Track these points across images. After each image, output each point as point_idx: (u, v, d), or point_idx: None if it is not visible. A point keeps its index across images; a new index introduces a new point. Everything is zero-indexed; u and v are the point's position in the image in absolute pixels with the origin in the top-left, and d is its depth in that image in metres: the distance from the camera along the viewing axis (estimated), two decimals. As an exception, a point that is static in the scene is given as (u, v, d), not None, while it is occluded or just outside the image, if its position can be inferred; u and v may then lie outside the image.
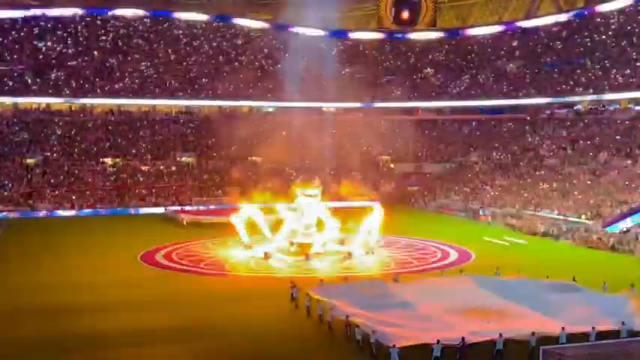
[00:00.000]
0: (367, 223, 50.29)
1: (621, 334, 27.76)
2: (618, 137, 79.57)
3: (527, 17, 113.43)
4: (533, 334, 26.79)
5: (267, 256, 48.16)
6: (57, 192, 79.73)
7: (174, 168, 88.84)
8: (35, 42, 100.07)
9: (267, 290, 38.59)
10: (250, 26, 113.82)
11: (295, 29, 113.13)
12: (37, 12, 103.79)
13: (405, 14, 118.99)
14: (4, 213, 72.82)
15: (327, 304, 31.51)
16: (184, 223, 66.89)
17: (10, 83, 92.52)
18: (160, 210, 77.29)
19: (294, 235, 51.43)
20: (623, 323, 28.05)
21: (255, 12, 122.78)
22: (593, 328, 27.52)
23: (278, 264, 47.05)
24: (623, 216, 59.04)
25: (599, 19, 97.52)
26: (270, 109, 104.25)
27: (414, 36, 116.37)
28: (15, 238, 59.17)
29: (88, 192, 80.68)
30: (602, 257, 50.74)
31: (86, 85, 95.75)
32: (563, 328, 27.44)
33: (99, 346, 28.24)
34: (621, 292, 33.79)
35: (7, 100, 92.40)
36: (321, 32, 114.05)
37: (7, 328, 30.76)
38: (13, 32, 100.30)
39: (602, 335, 27.40)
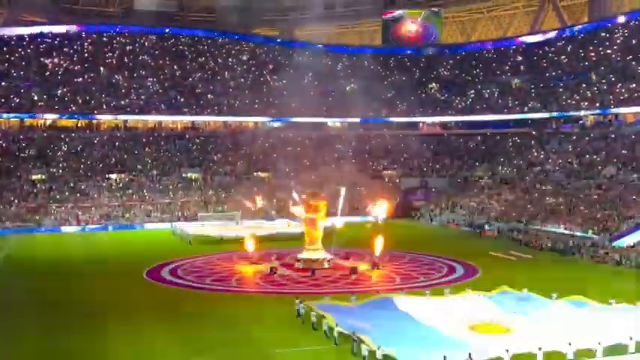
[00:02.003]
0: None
1: (629, 348, 27.62)
2: (624, 151, 79.43)
3: (532, 32, 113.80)
4: (539, 349, 26.69)
5: (273, 271, 48.11)
6: (63, 208, 79.91)
7: (179, 184, 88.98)
8: (42, 58, 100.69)
9: (273, 306, 38.50)
10: (255, 42, 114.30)
11: (300, 45, 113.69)
12: (44, 29, 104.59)
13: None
14: (9, 229, 73.06)
15: (333, 319, 31.44)
16: (190, 239, 66.80)
17: (17, 100, 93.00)
18: (166, 225, 77.30)
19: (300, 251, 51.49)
20: (630, 338, 27.92)
21: (260, 28, 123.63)
22: (600, 343, 27.37)
23: (284, 279, 46.95)
24: (630, 231, 58.84)
25: (603, 34, 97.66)
26: (276, 125, 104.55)
27: (418, 51, 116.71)
28: (20, 254, 59.23)
29: (93, 208, 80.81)
30: (608, 272, 50.49)
31: (92, 102, 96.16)
32: (570, 343, 27.30)
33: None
34: (629, 306, 33.67)
35: (14, 117, 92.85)
36: (326, 48, 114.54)
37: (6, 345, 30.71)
38: (20, 49, 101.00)
39: (609, 350, 27.29)
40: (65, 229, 76.15)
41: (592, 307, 34.28)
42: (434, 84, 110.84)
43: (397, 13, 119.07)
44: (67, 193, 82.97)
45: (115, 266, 52.52)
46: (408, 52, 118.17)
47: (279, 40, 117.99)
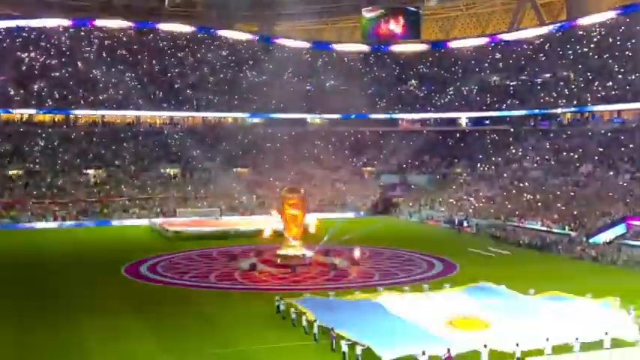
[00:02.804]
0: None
1: (604, 344, 27.91)
2: (601, 149, 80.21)
3: (510, 30, 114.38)
4: (517, 344, 26.90)
5: (252, 267, 48.02)
6: (39, 204, 79.05)
7: (158, 179, 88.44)
8: (18, 53, 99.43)
9: (252, 302, 38.44)
10: (235, 38, 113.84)
11: (280, 41, 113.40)
12: (21, 23, 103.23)
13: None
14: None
15: (312, 316, 31.47)
16: (169, 235, 66.47)
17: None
18: (144, 222, 76.78)
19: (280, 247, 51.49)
20: (606, 333, 28.21)
21: (239, 24, 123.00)
22: (577, 339, 27.64)
23: (263, 276, 46.87)
24: (606, 227, 59.47)
25: (581, 32, 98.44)
26: (255, 121, 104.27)
27: (398, 48, 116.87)
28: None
29: (71, 204, 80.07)
30: (585, 268, 51.02)
31: (69, 97, 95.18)
32: (547, 338, 27.53)
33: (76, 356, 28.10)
34: (605, 302, 34.05)
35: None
36: (305, 44, 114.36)
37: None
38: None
39: (586, 345, 27.57)
40: (42, 225, 75.35)
41: (569, 302, 34.62)
42: (413, 81, 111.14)
43: (378, 11, 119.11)
44: (43, 189, 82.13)
45: (93, 263, 52.08)
46: (387, 49, 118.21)
47: (258, 36, 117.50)
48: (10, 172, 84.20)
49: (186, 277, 46.23)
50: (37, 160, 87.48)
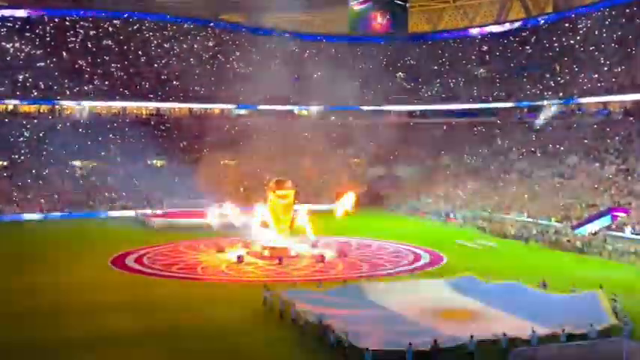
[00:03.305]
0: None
1: (590, 334, 28.10)
2: (586, 141, 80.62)
3: (498, 22, 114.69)
4: (504, 335, 27.05)
5: (240, 259, 47.97)
6: (25, 195, 78.50)
7: (144, 171, 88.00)
8: (2, 43, 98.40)
9: (240, 294, 38.43)
10: (222, 28, 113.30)
11: (267, 32, 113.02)
12: (5, 12, 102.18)
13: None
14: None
15: (300, 307, 31.49)
16: (155, 227, 66.23)
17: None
18: (131, 213, 76.46)
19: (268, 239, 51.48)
20: (591, 325, 28.40)
21: (227, 14, 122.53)
22: (564, 330, 27.82)
23: (251, 268, 46.83)
24: (592, 219, 59.88)
25: (567, 25, 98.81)
26: (242, 112, 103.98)
27: (385, 40, 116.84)
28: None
29: (56, 195, 79.57)
30: (570, 259, 51.30)
31: (55, 87, 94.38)
32: (533, 329, 27.70)
33: (69, 350, 27.94)
34: (590, 293, 34.24)
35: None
36: (293, 35, 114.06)
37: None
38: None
39: (571, 336, 27.74)
40: (27, 216, 74.83)
41: (553, 293, 34.83)
42: (400, 73, 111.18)
43: (366, 4, 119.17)
44: (29, 180, 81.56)
45: (79, 254, 51.82)
46: (375, 40, 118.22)
47: (246, 27, 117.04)
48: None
49: (174, 269, 46.11)
50: (22, 151, 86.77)
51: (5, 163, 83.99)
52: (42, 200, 78.04)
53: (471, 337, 26.71)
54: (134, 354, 27.92)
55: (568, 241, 55.98)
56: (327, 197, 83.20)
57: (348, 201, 58.88)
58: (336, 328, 28.05)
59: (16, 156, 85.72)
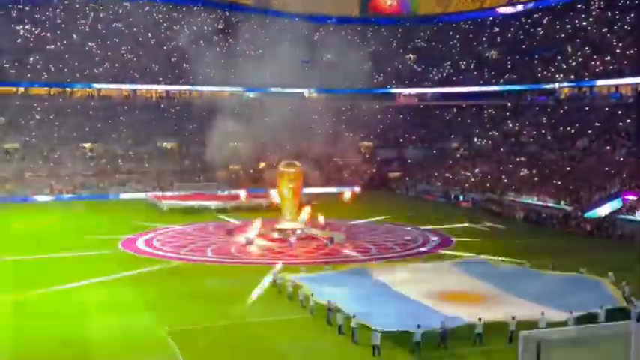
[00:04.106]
0: None
1: (599, 317, 28.12)
2: (598, 124, 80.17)
3: (509, 3, 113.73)
4: (513, 318, 27.12)
5: (248, 242, 48.17)
6: (36, 177, 78.99)
7: (155, 153, 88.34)
8: (13, 25, 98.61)
9: (248, 276, 38.60)
10: (231, 10, 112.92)
11: (277, 14, 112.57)
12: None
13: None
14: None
15: (308, 289, 31.65)
16: (165, 209, 66.53)
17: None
18: (141, 195, 76.83)
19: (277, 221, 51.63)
20: (601, 307, 28.43)
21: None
22: (571, 312, 27.85)
23: (260, 250, 47.05)
24: (602, 202, 59.69)
25: (579, 6, 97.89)
26: (251, 95, 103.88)
27: (395, 21, 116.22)
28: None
29: (67, 177, 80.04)
30: (580, 243, 51.25)
31: (65, 70, 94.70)
32: (542, 312, 27.75)
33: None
34: (595, 280, 34.19)
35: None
36: (303, 17, 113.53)
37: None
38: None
39: (580, 319, 27.77)
40: (39, 198, 75.36)
41: (562, 277, 34.83)
42: (410, 55, 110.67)
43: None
44: (40, 163, 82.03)
45: (90, 236, 52.12)
46: (385, 22, 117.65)
47: (254, 9, 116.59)
48: (7, 146, 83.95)
49: (183, 251, 46.38)
50: (34, 134, 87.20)
51: (17, 146, 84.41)
52: (53, 182, 78.50)
53: (480, 319, 26.81)
54: (138, 331, 28.27)
55: (578, 224, 55.87)
56: (336, 180, 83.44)
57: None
58: (344, 310, 28.22)
59: (28, 138, 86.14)
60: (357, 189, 57.35)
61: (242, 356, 25.69)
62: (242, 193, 68.89)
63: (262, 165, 63.03)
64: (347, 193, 58.53)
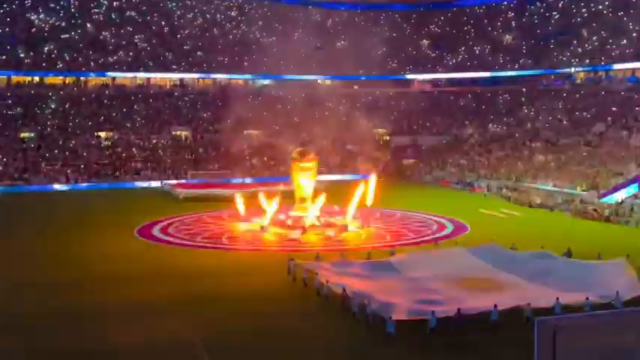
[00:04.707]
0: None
1: (615, 303, 27.92)
2: (614, 108, 79.48)
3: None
4: (528, 304, 26.98)
5: (263, 229, 48.22)
6: (52, 166, 79.47)
7: (169, 142, 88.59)
8: (27, 15, 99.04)
9: (264, 264, 38.68)
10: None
11: (290, 1, 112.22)
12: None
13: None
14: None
15: (323, 276, 31.64)
16: (180, 197, 66.73)
17: (3, 57, 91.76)
18: (156, 184, 77.11)
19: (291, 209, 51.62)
20: (617, 293, 28.22)
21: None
22: (588, 298, 27.67)
23: (274, 237, 47.09)
24: (619, 187, 59.19)
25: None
26: (265, 82, 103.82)
27: (410, 7, 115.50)
28: (11, 214, 59.05)
29: (83, 166, 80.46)
30: (597, 228, 50.94)
31: (79, 59, 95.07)
32: (557, 298, 27.59)
33: (97, 319, 28.30)
34: (615, 262, 33.96)
35: (0, 75, 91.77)
36: (316, 4, 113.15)
37: (5, 304, 30.73)
38: (5, 5, 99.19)
39: (597, 305, 27.58)
40: (54, 187, 75.80)
41: (579, 262, 34.63)
42: (425, 41, 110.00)
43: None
44: (56, 151, 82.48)
45: (106, 225, 52.42)
46: (399, 8, 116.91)
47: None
48: (22, 135, 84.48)
49: (198, 239, 46.53)
50: (49, 123, 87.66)
51: (33, 135, 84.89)
52: (68, 171, 78.92)
53: (495, 306, 26.70)
54: (161, 322, 28.20)
55: (594, 209, 55.49)
56: (351, 168, 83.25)
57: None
58: (359, 297, 28.19)
59: (43, 127, 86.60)
60: (373, 177, 56.38)
61: (258, 343, 25.71)
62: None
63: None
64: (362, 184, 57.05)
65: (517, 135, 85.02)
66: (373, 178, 54.10)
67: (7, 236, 47.53)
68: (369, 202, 52.24)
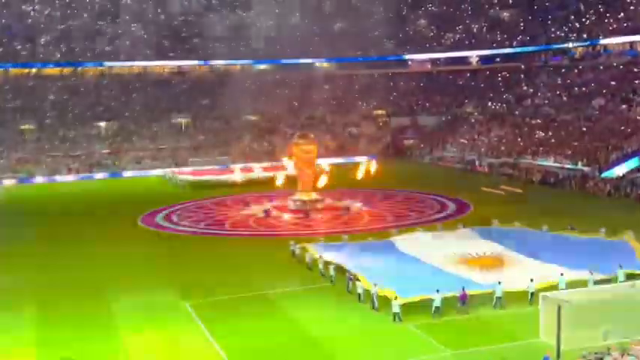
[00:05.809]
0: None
1: (619, 277, 28.11)
2: (613, 83, 79.22)
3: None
4: (531, 280, 27.17)
5: (267, 213, 48.39)
6: (53, 157, 79.53)
7: (169, 130, 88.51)
8: (22, 6, 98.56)
9: (268, 247, 38.89)
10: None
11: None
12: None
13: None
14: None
15: (327, 259, 31.85)
16: (182, 184, 66.83)
17: (0, 49, 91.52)
18: (157, 172, 77.09)
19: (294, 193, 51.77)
20: (620, 266, 28.40)
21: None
22: (592, 273, 27.84)
23: (278, 221, 47.26)
24: (619, 161, 59.23)
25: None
26: (262, 67, 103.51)
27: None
28: (13, 205, 59.26)
29: (83, 156, 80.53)
30: (598, 203, 51.07)
31: (76, 49, 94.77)
32: (562, 274, 27.78)
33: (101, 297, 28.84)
34: (618, 236, 34.15)
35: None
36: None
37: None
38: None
39: (600, 280, 27.78)
40: (56, 178, 75.86)
41: (582, 238, 34.79)
42: (422, 20, 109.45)
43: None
44: (56, 142, 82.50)
45: (110, 214, 52.66)
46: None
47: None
48: (22, 127, 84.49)
49: (202, 225, 46.72)
50: (48, 114, 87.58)
51: (33, 127, 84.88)
52: (70, 161, 79.00)
53: (499, 282, 26.90)
54: (166, 304, 28.64)
55: (596, 184, 55.58)
56: (351, 150, 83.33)
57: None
58: (363, 278, 28.38)
59: (42, 119, 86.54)
60: (374, 159, 56.47)
61: (264, 327, 25.95)
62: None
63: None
64: (362, 167, 57.04)
65: (517, 112, 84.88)
66: (374, 160, 54.31)
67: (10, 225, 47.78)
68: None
